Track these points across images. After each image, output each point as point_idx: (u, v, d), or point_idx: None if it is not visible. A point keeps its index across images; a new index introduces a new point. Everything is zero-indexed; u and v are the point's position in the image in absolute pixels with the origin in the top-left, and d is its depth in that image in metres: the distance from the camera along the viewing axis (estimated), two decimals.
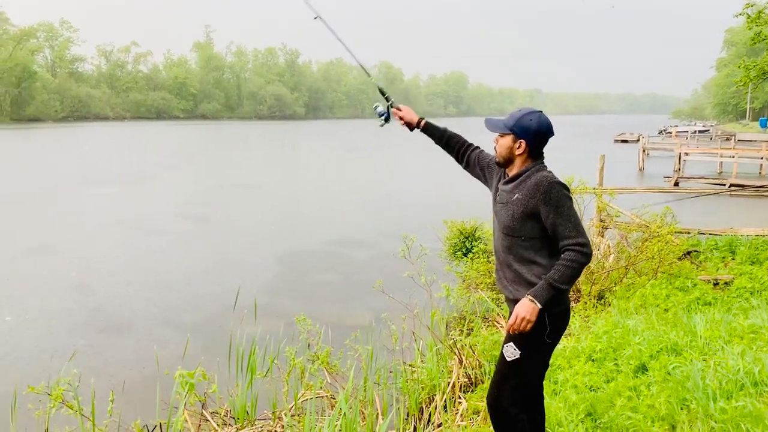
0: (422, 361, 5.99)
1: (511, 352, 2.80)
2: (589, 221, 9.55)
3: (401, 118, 3.44)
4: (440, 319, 6.73)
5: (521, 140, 2.88)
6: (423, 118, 3.43)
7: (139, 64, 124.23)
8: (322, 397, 5.16)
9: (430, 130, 3.42)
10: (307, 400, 5.02)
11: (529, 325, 2.65)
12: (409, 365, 6.09)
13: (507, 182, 2.96)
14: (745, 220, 13.00)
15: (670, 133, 58.97)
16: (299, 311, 6.41)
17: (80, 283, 11.19)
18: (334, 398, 5.09)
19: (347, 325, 8.78)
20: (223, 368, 5.22)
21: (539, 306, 2.64)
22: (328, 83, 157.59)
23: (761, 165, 29.08)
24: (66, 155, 42.55)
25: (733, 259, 8.94)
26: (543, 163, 2.96)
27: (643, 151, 35.85)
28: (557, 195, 2.73)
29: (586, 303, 7.31)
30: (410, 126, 3.45)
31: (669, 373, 3.91)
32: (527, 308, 2.65)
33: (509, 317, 2.77)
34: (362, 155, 46.01)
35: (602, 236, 10.10)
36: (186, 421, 4.35)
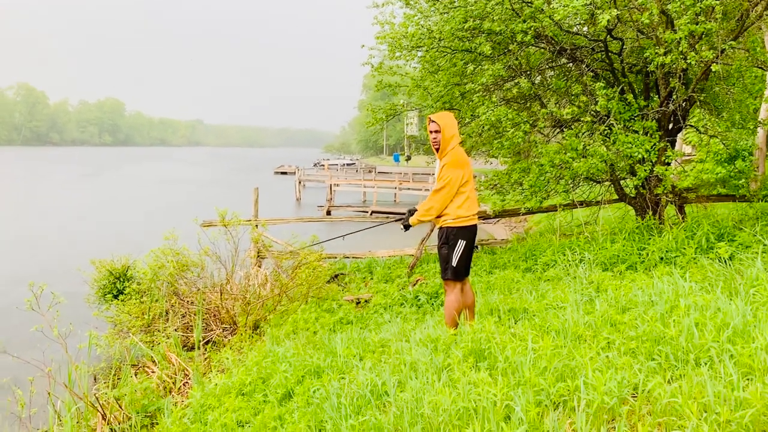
0: (59, 424, 5.26)
1: None
2: (244, 253, 9.68)
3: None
4: (83, 372, 6.02)
5: None
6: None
7: None
8: None
9: None
10: None
11: None
12: (45, 431, 5.30)
13: None
14: (381, 243, 14.68)
15: (323, 165, 64.28)
16: None
17: None
18: None
19: None
20: None
21: None
22: None
23: (395, 194, 33.58)
24: None
25: (372, 278, 9.99)
26: None
27: (300, 182, 38.33)
28: None
29: (241, 335, 7.34)
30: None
31: (311, 398, 4.09)
32: None
33: None
34: None
35: (259, 266, 10.35)
36: None
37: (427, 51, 8.69)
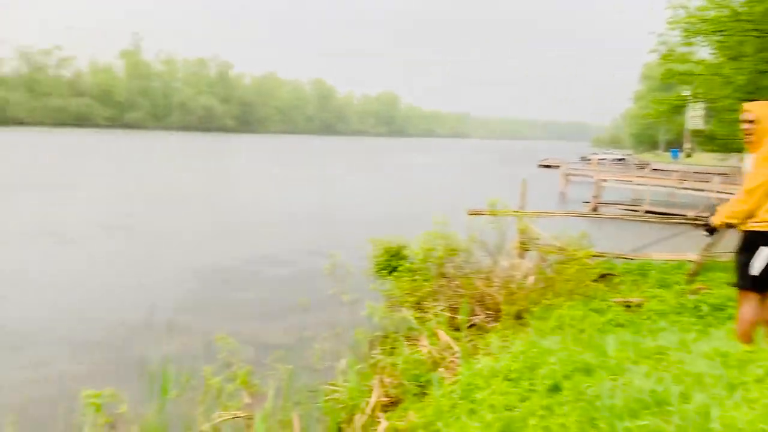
0: (344, 380, 5.95)
1: None
2: (510, 243, 9.80)
3: None
4: (363, 337, 6.72)
5: None
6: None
7: (62, 69, 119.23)
8: (238, 417, 5.02)
9: None
10: (223, 421, 4.87)
11: None
12: (330, 385, 6.03)
13: None
14: (655, 245, 13.65)
15: (590, 160, 61.58)
16: (219, 329, 6.24)
17: None
18: (252, 419, 4.96)
19: (269, 343, 8.60)
20: (134, 388, 5.00)
21: None
22: (261, 97, 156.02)
23: (673, 193, 30.78)
24: None
25: (644, 282, 9.36)
26: None
27: (565, 176, 37.28)
28: None
29: (505, 323, 7.46)
30: None
31: (581, 393, 4.03)
32: None
33: None
34: (291, 171, 45.66)
35: (523, 258, 10.37)
36: None
37: (729, 35, 7.81)
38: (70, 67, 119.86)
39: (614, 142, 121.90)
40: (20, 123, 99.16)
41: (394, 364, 5.87)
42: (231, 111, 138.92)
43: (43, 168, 36.56)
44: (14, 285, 11.27)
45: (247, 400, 5.36)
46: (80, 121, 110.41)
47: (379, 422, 4.94)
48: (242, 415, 5.07)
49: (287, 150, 76.43)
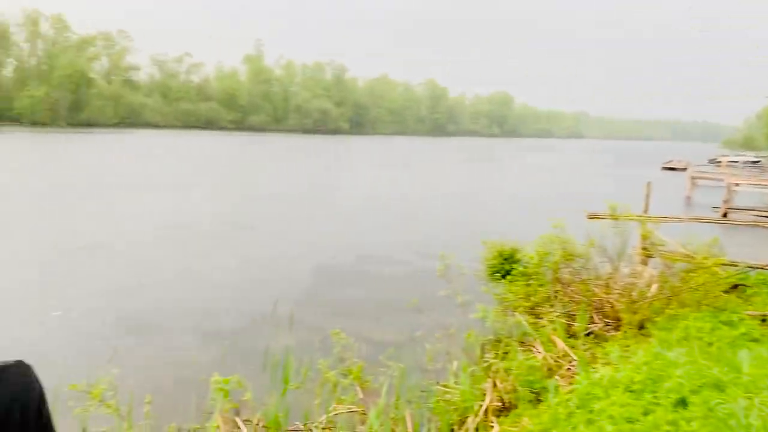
0: (456, 382, 5.94)
1: None
2: (632, 249, 9.35)
3: None
4: (475, 340, 6.68)
5: None
6: None
7: (192, 75, 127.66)
8: (353, 411, 5.16)
9: None
10: (338, 413, 5.03)
11: None
12: (442, 386, 6.05)
13: None
14: None
15: (720, 162, 57.42)
16: (333, 325, 6.44)
17: (122, 282, 11.49)
18: (366, 414, 5.08)
19: (380, 341, 8.77)
20: (256, 376, 5.27)
21: None
22: (373, 99, 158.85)
23: None
24: (119, 159, 43.82)
25: None
26: None
27: (691, 179, 34.99)
28: None
29: (626, 332, 7.14)
30: None
31: (711, 410, 3.79)
32: None
33: None
34: (403, 171, 46.10)
35: (645, 265, 9.86)
36: (219, 427, 4.40)
37: None
38: (199, 73, 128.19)
39: (747, 144, 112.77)
40: (153, 126, 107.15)
41: (507, 369, 5.79)
42: (345, 113, 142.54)
43: (175, 168, 39.28)
44: (148, 276, 12.21)
45: (360, 394, 5.49)
46: (207, 124, 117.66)
47: (492, 426, 4.90)
48: (356, 409, 5.21)
49: (399, 150, 77.29)
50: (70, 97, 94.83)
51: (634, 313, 7.43)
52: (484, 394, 5.45)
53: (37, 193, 23.67)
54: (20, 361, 1.87)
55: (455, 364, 6.15)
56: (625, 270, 8.74)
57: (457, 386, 5.73)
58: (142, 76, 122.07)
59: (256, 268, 13.50)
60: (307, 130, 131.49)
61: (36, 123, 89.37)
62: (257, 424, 4.88)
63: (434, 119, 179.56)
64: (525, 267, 9.33)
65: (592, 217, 10.01)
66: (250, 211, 22.27)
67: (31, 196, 22.81)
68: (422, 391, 5.83)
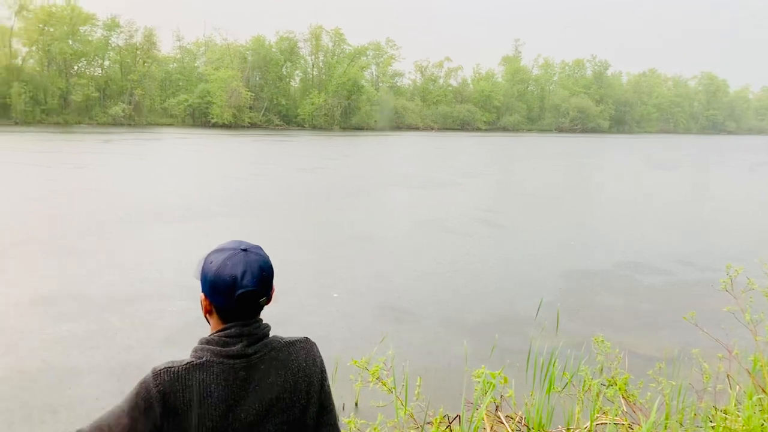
0: (738, 409, 5.26)
1: None
2: None
3: None
4: (766, 364, 5.85)
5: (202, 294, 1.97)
6: None
7: (450, 79, 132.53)
8: (618, 424, 4.88)
9: None
10: (601, 424, 4.80)
11: None
12: (722, 411, 5.41)
13: None
14: None
15: None
16: (591, 332, 6.16)
17: (383, 272, 12.40)
18: (632, 429, 4.77)
19: (646, 354, 8.19)
20: (516, 375, 5.27)
21: None
22: (638, 95, 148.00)
23: None
24: (385, 158, 47.42)
25: None
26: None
27: None
28: None
29: None
30: None
31: None
32: None
33: None
34: (670, 173, 42.21)
35: None
36: (483, 419, 4.51)
37: None
38: (456, 76, 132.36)
39: None
40: (414, 128, 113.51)
41: None
42: (605, 111, 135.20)
43: (430, 167, 41.15)
44: (408, 268, 12.99)
45: (623, 407, 5.17)
46: (463, 125, 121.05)
47: None
48: (622, 422, 4.92)
49: (673, 151, 71.04)
50: (344, 104, 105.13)
51: None
52: None
53: (341, 191, 26.63)
54: (306, 338, 2.13)
55: (738, 388, 5.45)
56: None
57: (739, 414, 5.07)
58: (405, 81, 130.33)
59: (506, 265, 13.53)
60: (562, 130, 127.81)
61: (315, 127, 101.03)
62: (519, 422, 4.88)
63: (709, 116, 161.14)
64: None
65: None
66: (506, 210, 22.38)
67: (335, 192, 25.72)
68: (695, 415, 5.28)
